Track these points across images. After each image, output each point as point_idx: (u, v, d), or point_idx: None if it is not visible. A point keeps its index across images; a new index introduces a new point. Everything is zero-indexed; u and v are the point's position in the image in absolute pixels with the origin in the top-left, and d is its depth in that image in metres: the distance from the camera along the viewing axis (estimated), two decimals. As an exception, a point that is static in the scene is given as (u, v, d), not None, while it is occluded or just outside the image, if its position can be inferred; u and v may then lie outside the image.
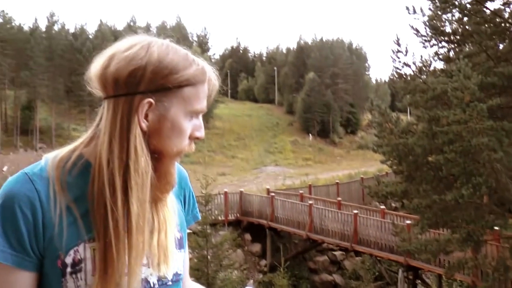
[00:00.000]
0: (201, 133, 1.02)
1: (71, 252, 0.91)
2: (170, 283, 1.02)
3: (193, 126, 0.99)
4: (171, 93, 0.95)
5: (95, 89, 0.98)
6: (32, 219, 0.89)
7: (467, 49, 12.91)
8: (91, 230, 0.92)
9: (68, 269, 0.91)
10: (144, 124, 0.93)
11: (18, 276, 0.90)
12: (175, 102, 0.95)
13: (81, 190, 0.94)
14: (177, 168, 1.13)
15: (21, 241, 0.89)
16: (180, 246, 1.07)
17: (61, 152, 0.99)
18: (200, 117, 1.01)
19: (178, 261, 1.05)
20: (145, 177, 0.93)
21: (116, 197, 0.91)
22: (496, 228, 10.66)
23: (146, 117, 0.94)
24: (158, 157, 0.97)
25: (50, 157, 0.97)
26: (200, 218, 1.24)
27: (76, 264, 0.91)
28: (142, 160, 0.93)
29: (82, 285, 0.91)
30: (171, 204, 1.06)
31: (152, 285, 0.98)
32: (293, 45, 75.09)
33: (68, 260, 0.90)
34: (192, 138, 1.00)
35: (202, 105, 0.99)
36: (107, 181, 0.91)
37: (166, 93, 0.94)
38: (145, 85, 0.93)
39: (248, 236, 19.30)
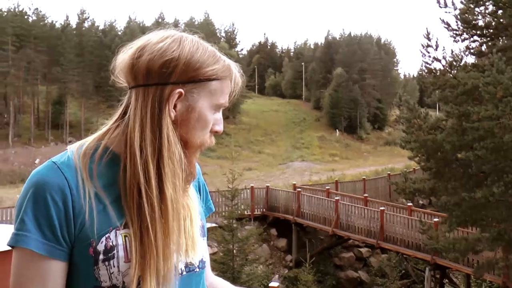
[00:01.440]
0: (220, 127, 1.05)
1: (103, 239, 0.91)
2: (197, 269, 1.04)
3: (215, 119, 1.03)
4: (200, 86, 0.99)
5: (121, 79, 1.01)
6: (63, 207, 0.90)
7: (500, 43, 12.58)
8: (121, 217, 0.93)
9: (101, 256, 0.91)
10: (173, 114, 0.97)
11: (50, 266, 0.90)
12: (203, 95, 0.99)
13: (108, 178, 0.95)
14: None
15: (53, 230, 0.90)
16: (203, 234, 1.09)
17: (85, 142, 1.00)
18: (221, 112, 1.05)
19: (203, 249, 1.08)
20: (178, 164, 0.97)
21: (151, 184, 0.93)
22: (528, 227, 10.39)
23: (175, 107, 0.97)
24: (184, 147, 1.00)
25: (75, 147, 0.99)
26: (214, 210, 1.26)
27: (108, 251, 0.91)
28: (174, 148, 0.96)
29: (115, 272, 0.92)
30: (193, 194, 1.08)
31: (180, 271, 1.00)
32: (321, 41, 74.57)
33: (100, 247, 0.91)
34: (212, 131, 1.04)
35: (226, 99, 1.04)
36: (141, 168, 0.93)
37: (196, 85, 0.98)
38: (176, 76, 0.96)
39: (274, 231, 19.33)
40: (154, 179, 0.93)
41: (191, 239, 1.01)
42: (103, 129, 1.02)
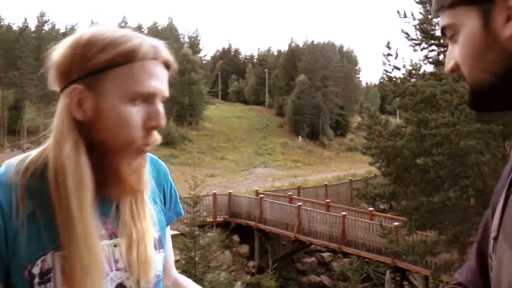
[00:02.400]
0: (156, 122, 0.89)
1: (39, 262, 0.86)
2: (151, 285, 0.98)
3: (146, 113, 0.89)
4: (103, 76, 0.87)
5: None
6: None
7: (456, 52, 13.01)
8: (57, 238, 0.86)
9: (36, 280, 0.85)
10: (79, 114, 0.88)
11: None
12: (110, 86, 0.87)
13: (44, 196, 0.88)
14: (154, 164, 1.09)
15: None
16: (159, 247, 1.02)
17: (29, 155, 0.94)
18: (156, 102, 0.90)
19: (157, 263, 1.00)
20: (79, 174, 0.86)
21: (67, 199, 0.86)
22: (482, 230, 10.74)
23: (81, 107, 0.87)
24: (105, 151, 0.89)
25: (16, 162, 0.92)
26: (183, 214, 1.18)
27: (44, 274, 0.86)
28: (72, 155, 0.86)
29: None
30: (149, 212, 0.99)
31: None
32: (284, 48, 75.05)
33: (36, 270, 0.85)
34: (147, 127, 0.89)
35: (145, 86, 0.88)
36: (54, 182, 0.87)
37: (98, 77, 0.87)
38: (76, 72, 0.87)
39: (236, 238, 19.27)
40: (65, 194, 0.86)
41: (143, 268, 0.93)
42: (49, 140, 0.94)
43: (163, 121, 0.90)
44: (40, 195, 0.88)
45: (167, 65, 0.95)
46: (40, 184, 0.88)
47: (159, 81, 0.90)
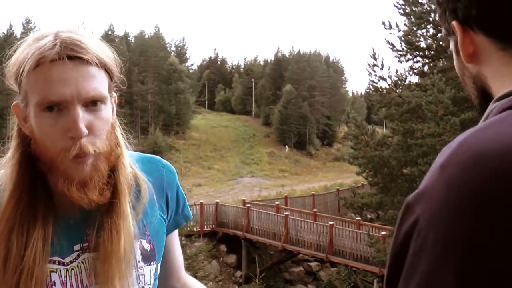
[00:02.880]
0: (72, 132, 0.81)
1: None
2: None
3: (63, 122, 0.82)
4: (21, 91, 0.86)
5: None
6: None
7: (441, 64, 13.21)
8: None
9: None
10: (25, 129, 0.88)
11: None
12: (27, 100, 0.84)
13: None
14: (155, 167, 1.05)
15: None
16: (148, 259, 0.97)
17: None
18: (72, 109, 0.81)
19: (146, 276, 0.96)
20: (9, 186, 0.86)
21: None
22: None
23: (26, 120, 0.87)
24: (45, 164, 0.86)
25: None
26: (191, 217, 1.14)
27: None
28: (8, 166, 0.87)
29: None
30: (125, 225, 0.92)
31: None
32: (270, 57, 75.60)
33: None
34: (68, 137, 0.82)
35: (43, 95, 0.81)
36: None
37: (20, 93, 0.86)
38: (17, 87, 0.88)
39: (223, 247, 19.18)
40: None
41: (112, 281, 0.88)
42: None
43: (79, 129, 0.81)
44: None
45: (87, 61, 0.83)
46: None
47: (64, 85, 0.80)
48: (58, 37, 0.83)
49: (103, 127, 0.86)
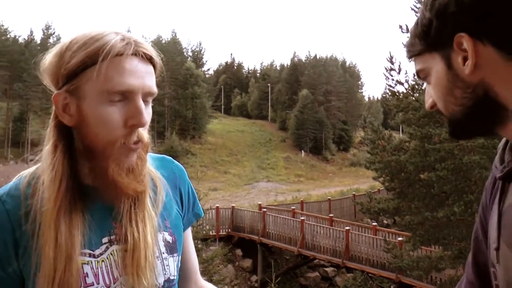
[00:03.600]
0: (137, 119, 0.88)
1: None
2: None
3: (126, 111, 0.88)
4: (79, 80, 0.88)
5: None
6: (3, 241, 0.86)
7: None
8: None
9: None
10: (67, 120, 0.90)
11: None
12: (87, 88, 0.87)
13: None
14: (168, 164, 1.10)
15: None
16: (172, 250, 1.01)
17: (38, 167, 0.95)
18: (136, 99, 0.89)
19: (171, 267, 1.00)
20: (55, 178, 0.88)
21: (40, 207, 0.88)
22: (487, 246, 10.68)
23: (68, 112, 0.90)
24: (94, 155, 0.90)
25: (27, 174, 0.94)
26: (203, 215, 1.18)
27: None
28: (49, 158, 0.89)
29: None
30: (149, 216, 0.97)
31: None
32: (287, 62, 75.65)
33: None
34: (129, 126, 0.89)
35: (117, 83, 0.87)
36: (35, 190, 0.90)
37: (76, 81, 0.88)
38: (60, 78, 0.90)
39: (239, 252, 19.18)
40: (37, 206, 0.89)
41: (136, 273, 0.91)
42: None
43: (143, 118, 0.89)
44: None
45: (148, 59, 0.92)
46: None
47: (135, 77, 0.88)
48: (124, 36, 0.90)
49: (149, 121, 0.93)
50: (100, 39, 0.88)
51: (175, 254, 1.02)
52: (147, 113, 0.92)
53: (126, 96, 0.88)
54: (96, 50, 0.87)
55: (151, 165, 1.03)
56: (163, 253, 1.00)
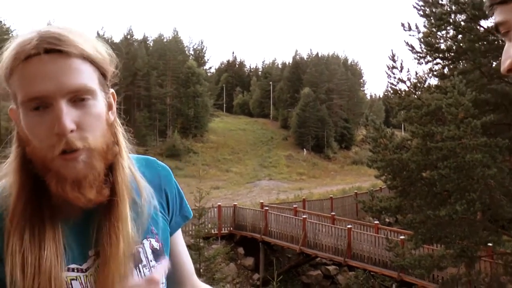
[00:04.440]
0: (56, 128, 0.78)
1: None
2: None
3: (49, 118, 0.79)
4: (11, 93, 0.83)
5: None
6: None
7: (461, 66, 13.06)
8: None
9: None
10: (22, 133, 0.84)
11: None
12: (15, 100, 0.82)
13: None
14: (151, 166, 1.03)
15: None
16: (159, 257, 0.96)
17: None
18: (55, 104, 0.79)
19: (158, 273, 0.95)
20: (15, 191, 0.84)
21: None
22: (489, 244, 10.68)
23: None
24: (37, 169, 0.83)
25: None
26: (191, 216, 1.11)
27: None
28: (11, 171, 0.85)
29: None
30: (125, 227, 0.89)
31: None
32: (288, 60, 75.52)
33: None
34: (53, 132, 0.79)
35: (26, 92, 0.79)
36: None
37: (11, 95, 0.84)
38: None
39: (241, 250, 19.20)
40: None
41: (114, 285, 0.85)
42: None
43: (62, 124, 0.78)
44: None
45: (65, 52, 0.80)
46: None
47: (44, 80, 0.78)
48: (37, 33, 0.81)
49: (94, 122, 0.82)
50: (12, 45, 0.81)
51: (162, 261, 0.97)
52: (87, 113, 0.81)
53: (44, 102, 0.78)
54: (8, 58, 0.80)
55: (134, 167, 0.96)
56: (151, 261, 0.95)
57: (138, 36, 62.58)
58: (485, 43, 11.83)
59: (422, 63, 13.26)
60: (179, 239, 1.11)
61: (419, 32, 12.81)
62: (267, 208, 19.59)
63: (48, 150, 0.79)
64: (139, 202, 0.93)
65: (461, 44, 12.48)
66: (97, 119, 0.83)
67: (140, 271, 0.93)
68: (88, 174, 0.82)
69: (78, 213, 0.87)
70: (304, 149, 53.27)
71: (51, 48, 0.78)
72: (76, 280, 0.86)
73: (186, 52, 61.30)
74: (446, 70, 13.54)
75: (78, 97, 0.80)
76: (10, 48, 0.80)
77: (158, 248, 0.97)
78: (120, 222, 0.87)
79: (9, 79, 0.81)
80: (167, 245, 1.01)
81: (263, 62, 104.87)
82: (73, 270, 0.86)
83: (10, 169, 0.86)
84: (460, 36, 12.56)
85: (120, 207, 0.88)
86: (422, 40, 12.88)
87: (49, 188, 0.82)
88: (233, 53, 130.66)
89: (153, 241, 0.96)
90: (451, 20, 12.12)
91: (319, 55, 68.72)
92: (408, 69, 12.26)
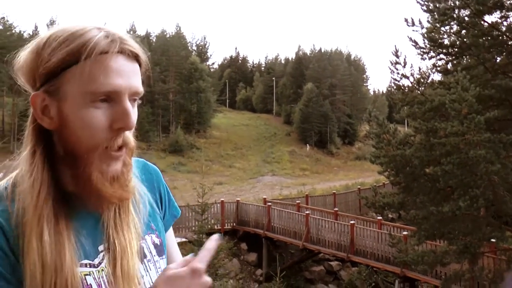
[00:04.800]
0: (123, 122, 0.82)
1: None
2: None
3: (112, 113, 0.82)
4: (60, 79, 0.81)
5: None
6: (4, 254, 0.80)
7: (465, 61, 12.99)
8: None
9: None
10: (47, 123, 0.84)
11: None
12: (68, 89, 0.81)
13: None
14: (143, 167, 1.05)
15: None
16: (160, 253, 0.99)
17: (13, 177, 0.89)
18: (123, 100, 0.82)
19: (159, 272, 0.96)
20: (33, 185, 0.82)
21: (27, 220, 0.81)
22: (493, 240, 10.66)
23: (48, 114, 0.83)
24: (76, 160, 0.84)
25: (4, 184, 0.87)
26: (179, 214, 1.13)
27: None
28: (27, 163, 0.84)
29: None
30: (132, 221, 0.93)
31: None
32: (291, 56, 75.45)
33: None
34: (115, 129, 0.82)
35: (102, 84, 0.80)
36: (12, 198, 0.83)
37: (56, 81, 0.82)
38: (38, 78, 0.83)
39: (244, 246, 19.23)
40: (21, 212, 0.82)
41: (127, 284, 0.87)
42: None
43: (131, 121, 0.82)
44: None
45: (134, 57, 0.86)
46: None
47: (121, 77, 0.81)
48: (108, 32, 0.83)
49: (135, 123, 0.87)
50: (82, 35, 0.81)
51: (163, 256, 1.00)
52: (134, 114, 0.85)
53: (112, 97, 0.81)
54: (78, 47, 0.80)
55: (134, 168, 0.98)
56: (154, 255, 0.97)
57: (141, 32, 62.61)
58: (489, 38, 11.75)
59: (426, 58, 13.19)
60: (171, 238, 1.12)
61: (422, 28, 12.74)
62: (270, 203, 19.61)
63: (102, 143, 0.81)
64: (139, 199, 0.96)
65: (465, 40, 12.40)
66: (136, 120, 0.87)
67: (146, 266, 0.95)
68: (124, 171, 0.86)
69: (88, 211, 0.89)
70: (307, 145, 53.25)
71: (131, 51, 0.84)
72: (90, 275, 0.86)
73: (189, 48, 61.24)
74: (449, 66, 13.46)
75: (133, 98, 0.85)
76: (70, 40, 0.81)
77: (158, 243, 0.99)
78: (130, 217, 0.91)
79: (56, 69, 0.81)
80: (165, 241, 1.03)
81: (266, 57, 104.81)
82: (85, 265, 0.86)
83: (28, 161, 0.85)
84: (464, 31, 12.48)
85: (129, 203, 0.92)
86: (425, 35, 12.81)
87: (65, 184, 0.85)
88: (236, 48, 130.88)
89: (153, 236, 0.99)
90: (455, 15, 12.05)
91: (322, 51, 68.60)
92: (412, 64, 12.25)
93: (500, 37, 11.74)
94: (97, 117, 0.81)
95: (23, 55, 0.86)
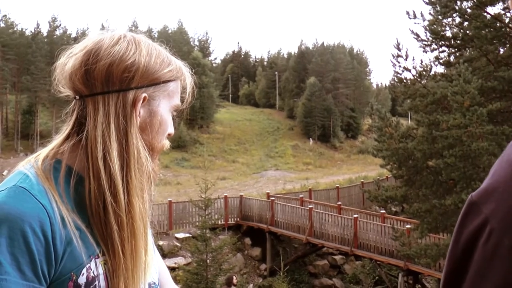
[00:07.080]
0: (172, 129, 1.01)
1: (84, 270, 0.82)
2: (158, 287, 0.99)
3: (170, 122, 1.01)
4: (160, 88, 0.95)
5: (64, 88, 0.96)
6: (44, 240, 0.78)
7: (467, 53, 12.92)
8: (99, 244, 0.85)
9: None
10: (138, 120, 0.92)
11: None
12: (162, 97, 0.95)
13: (76, 202, 0.86)
14: None
15: (34, 268, 0.77)
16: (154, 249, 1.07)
17: (38, 160, 0.90)
18: (173, 117, 1.02)
19: (155, 267, 1.01)
20: (147, 175, 0.92)
21: (118, 200, 0.86)
22: (496, 233, 10.64)
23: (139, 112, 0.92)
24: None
25: (35, 167, 0.87)
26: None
27: (90, 283, 0.83)
28: (144, 158, 0.91)
29: None
30: None
31: None
32: (294, 50, 75.31)
33: (82, 280, 0.82)
34: (168, 134, 1.01)
35: (179, 100, 1.01)
36: (107, 185, 0.85)
37: (156, 88, 0.94)
38: (138, 80, 0.90)
39: (248, 240, 19.26)
40: (122, 194, 0.86)
41: (150, 257, 0.97)
42: (53, 144, 0.93)
43: (174, 131, 1.03)
44: (72, 202, 0.85)
45: None
46: (68, 191, 0.85)
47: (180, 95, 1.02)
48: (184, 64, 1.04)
49: None
50: (173, 60, 0.99)
51: (155, 251, 1.07)
52: None
53: (174, 109, 1.00)
54: (177, 69, 0.98)
55: None
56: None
57: (142, 28, 62.49)
58: (491, 30, 11.68)
59: (428, 51, 13.12)
60: (159, 259, 1.15)
61: (424, 20, 12.67)
62: (273, 198, 19.61)
63: (165, 143, 1.00)
64: None
65: (467, 31, 12.34)
66: None
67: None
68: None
69: None
70: (310, 139, 53.19)
71: None
72: (104, 264, 0.87)
73: (191, 43, 61.20)
74: (452, 58, 13.40)
75: None
76: (177, 62, 1.00)
77: (153, 240, 1.07)
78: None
79: (170, 80, 0.96)
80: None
81: (268, 52, 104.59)
82: (96, 256, 0.87)
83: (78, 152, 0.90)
84: (466, 23, 12.42)
85: None
86: (427, 28, 12.74)
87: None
88: (238, 43, 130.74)
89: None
90: (456, 7, 11.98)
91: (325, 45, 68.41)
92: (414, 57, 12.19)
93: (503, 29, 11.67)
94: (170, 123, 1.00)
95: (102, 53, 0.90)
